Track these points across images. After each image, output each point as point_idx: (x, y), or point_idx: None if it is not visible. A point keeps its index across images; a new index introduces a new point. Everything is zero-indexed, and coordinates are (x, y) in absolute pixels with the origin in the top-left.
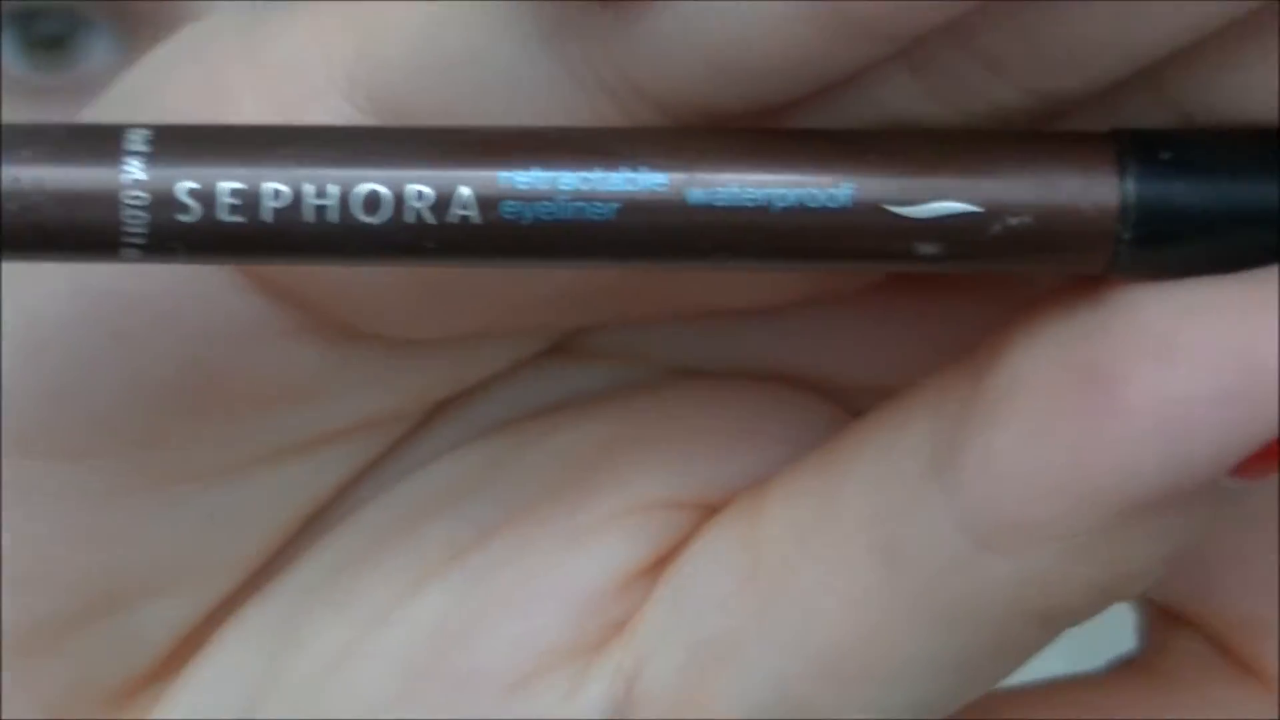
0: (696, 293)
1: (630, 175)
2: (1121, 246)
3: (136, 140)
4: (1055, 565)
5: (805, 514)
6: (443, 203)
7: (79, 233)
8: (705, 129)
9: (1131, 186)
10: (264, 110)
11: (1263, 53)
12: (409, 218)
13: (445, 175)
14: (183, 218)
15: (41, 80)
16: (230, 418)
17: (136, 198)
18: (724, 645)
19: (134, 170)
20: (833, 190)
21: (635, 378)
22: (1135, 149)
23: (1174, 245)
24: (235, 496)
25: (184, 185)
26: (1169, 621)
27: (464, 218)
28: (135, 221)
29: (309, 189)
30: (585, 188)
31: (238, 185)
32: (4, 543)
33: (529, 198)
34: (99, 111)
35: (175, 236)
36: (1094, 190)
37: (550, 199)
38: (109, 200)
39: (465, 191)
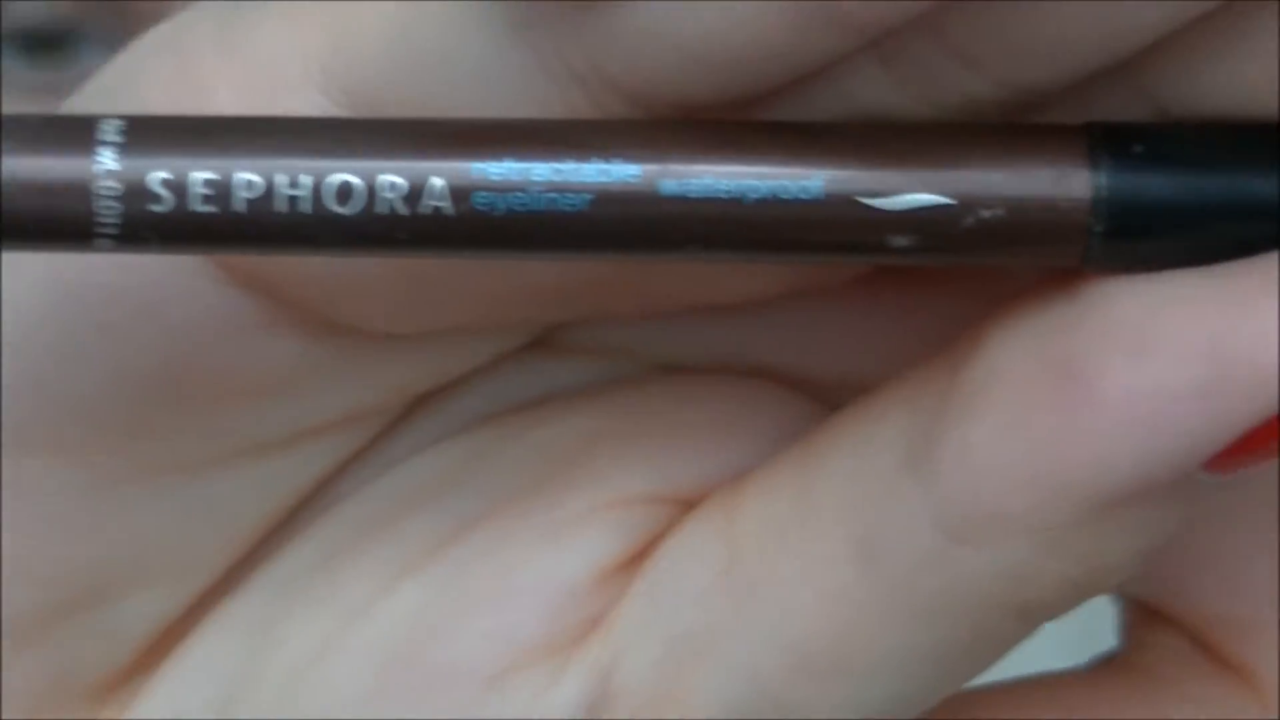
0: (676, 288)
1: (603, 167)
2: (1094, 239)
3: (109, 130)
4: (1029, 559)
5: (782, 508)
6: (415, 194)
7: (52, 223)
8: (678, 121)
9: (1104, 180)
10: (239, 102)
11: (1236, 46)
12: (381, 208)
13: (418, 166)
14: (155, 208)
15: (41, 79)
16: (210, 411)
17: (109, 188)
18: (700, 640)
19: (107, 160)
20: (805, 182)
21: (616, 373)
22: (1108, 142)
23: (1147, 238)
24: (216, 490)
25: (156, 175)
26: (1149, 619)
27: (436, 209)
28: (108, 212)
29: (281, 179)
30: (558, 179)
31: (210, 175)
32: None
33: (501, 189)
34: (77, 104)
35: (148, 226)
36: (1066, 183)
37: (523, 190)
38: (82, 190)
39: (438, 182)
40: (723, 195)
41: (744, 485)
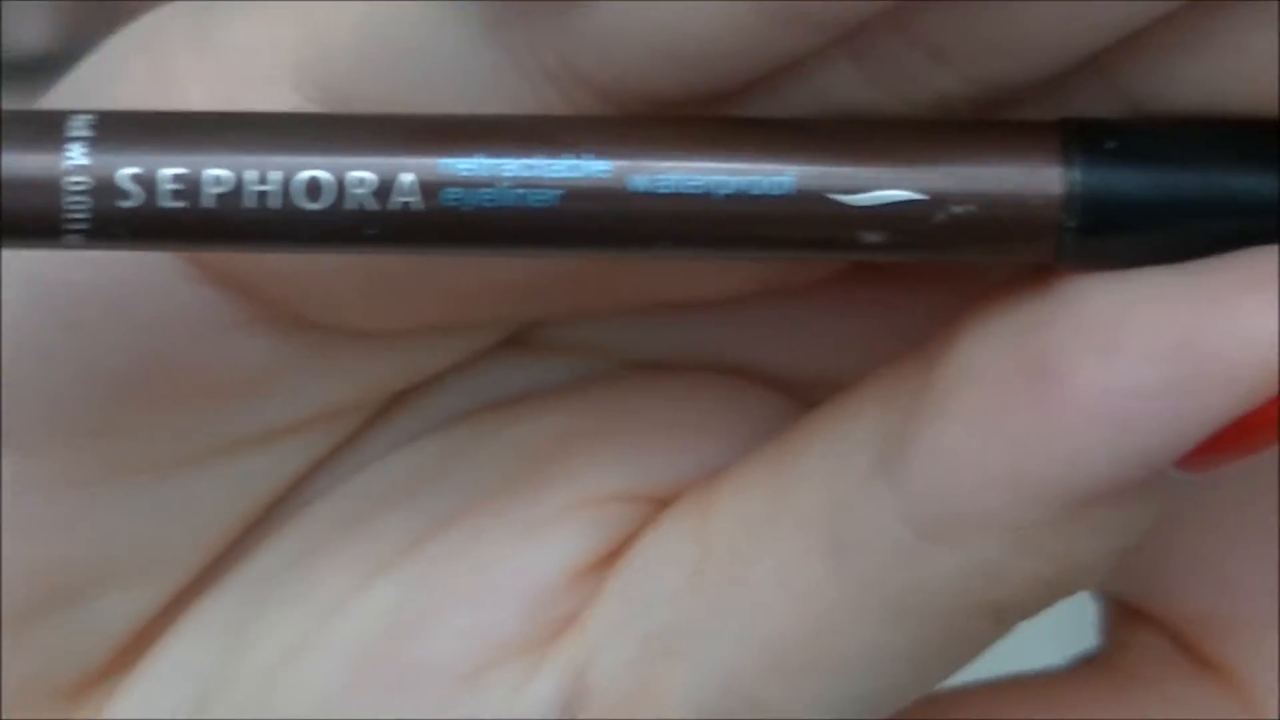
0: (651, 286)
1: (573, 162)
2: (1066, 236)
3: (79, 126)
4: (1001, 558)
5: (755, 507)
6: (384, 189)
7: (21, 219)
8: (648, 116)
9: (1076, 176)
10: (212, 98)
11: (1209, 42)
12: (351, 204)
13: (387, 162)
14: (124, 203)
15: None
16: (184, 409)
17: (78, 183)
18: (674, 639)
19: (76, 156)
20: (776, 178)
21: (592, 371)
22: (1080, 138)
23: (1120, 235)
24: (191, 488)
25: (126, 171)
26: (1130, 618)
27: (406, 204)
28: (77, 207)
29: (251, 175)
30: (528, 175)
31: (179, 171)
32: None
33: (471, 184)
34: (52, 100)
35: (118, 222)
36: (1038, 179)
37: (492, 186)
38: (51, 186)
39: (407, 178)
40: (693, 191)
41: (718, 483)
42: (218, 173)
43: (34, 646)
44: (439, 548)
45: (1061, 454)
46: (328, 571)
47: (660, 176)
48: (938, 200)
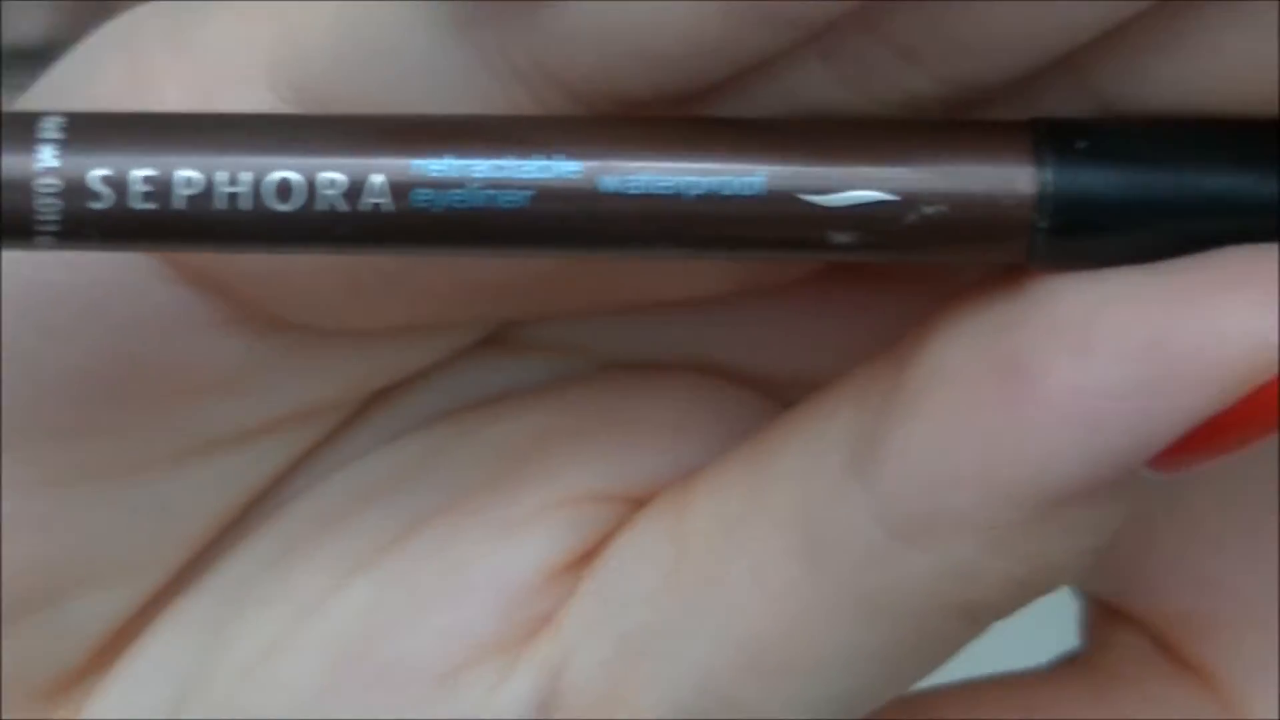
0: (629, 286)
1: (544, 163)
2: (1038, 236)
3: (50, 128)
4: (973, 558)
5: (731, 506)
6: (355, 190)
7: None
8: (619, 117)
9: (1048, 176)
10: (187, 99)
11: (1180, 42)
12: (321, 205)
13: (358, 163)
14: (95, 205)
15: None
16: (160, 409)
17: (49, 185)
18: (649, 639)
19: (47, 158)
20: (746, 179)
21: (570, 370)
22: (1052, 138)
23: (1092, 235)
24: (168, 488)
25: (96, 173)
26: (1111, 618)
27: (376, 205)
28: (48, 209)
29: (221, 176)
30: (498, 176)
31: (150, 172)
32: None
33: (441, 185)
34: (30, 99)
35: (88, 224)
36: (1009, 179)
37: (462, 187)
38: (22, 188)
39: (378, 179)
40: (663, 192)
41: (694, 483)
42: (188, 174)
43: (11, 647)
44: (417, 547)
45: (1033, 454)
46: (306, 571)
47: (631, 177)
48: (909, 201)
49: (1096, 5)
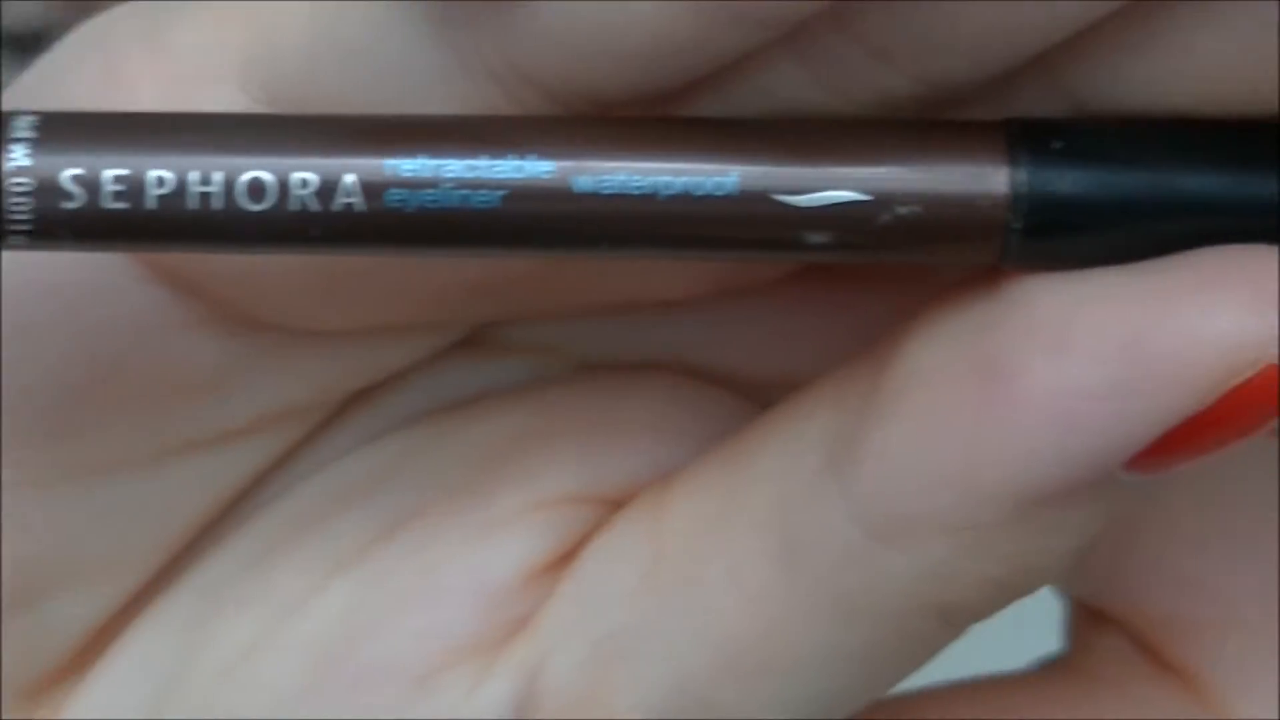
0: (607, 287)
1: (517, 163)
2: (1012, 236)
3: (22, 127)
4: (950, 559)
5: (708, 508)
6: (327, 190)
7: None
8: (592, 117)
9: (1022, 176)
10: (161, 98)
11: (1153, 42)
12: (293, 205)
13: (330, 163)
14: (67, 205)
15: None
16: (138, 409)
17: (21, 184)
18: (626, 640)
19: (19, 157)
20: (720, 179)
21: (548, 371)
22: (1026, 138)
23: (1067, 235)
24: (147, 488)
25: (69, 172)
26: (1094, 621)
27: (348, 205)
28: (20, 208)
29: (194, 176)
30: (471, 176)
31: (122, 172)
32: None
33: (414, 185)
34: (6, 99)
35: (61, 224)
36: (984, 180)
37: (435, 187)
38: None
39: (350, 179)
40: (636, 192)
41: (672, 484)
42: (160, 174)
43: None
44: (395, 548)
45: (1010, 455)
46: (285, 572)
47: (604, 177)
48: (882, 201)
49: (1068, 5)
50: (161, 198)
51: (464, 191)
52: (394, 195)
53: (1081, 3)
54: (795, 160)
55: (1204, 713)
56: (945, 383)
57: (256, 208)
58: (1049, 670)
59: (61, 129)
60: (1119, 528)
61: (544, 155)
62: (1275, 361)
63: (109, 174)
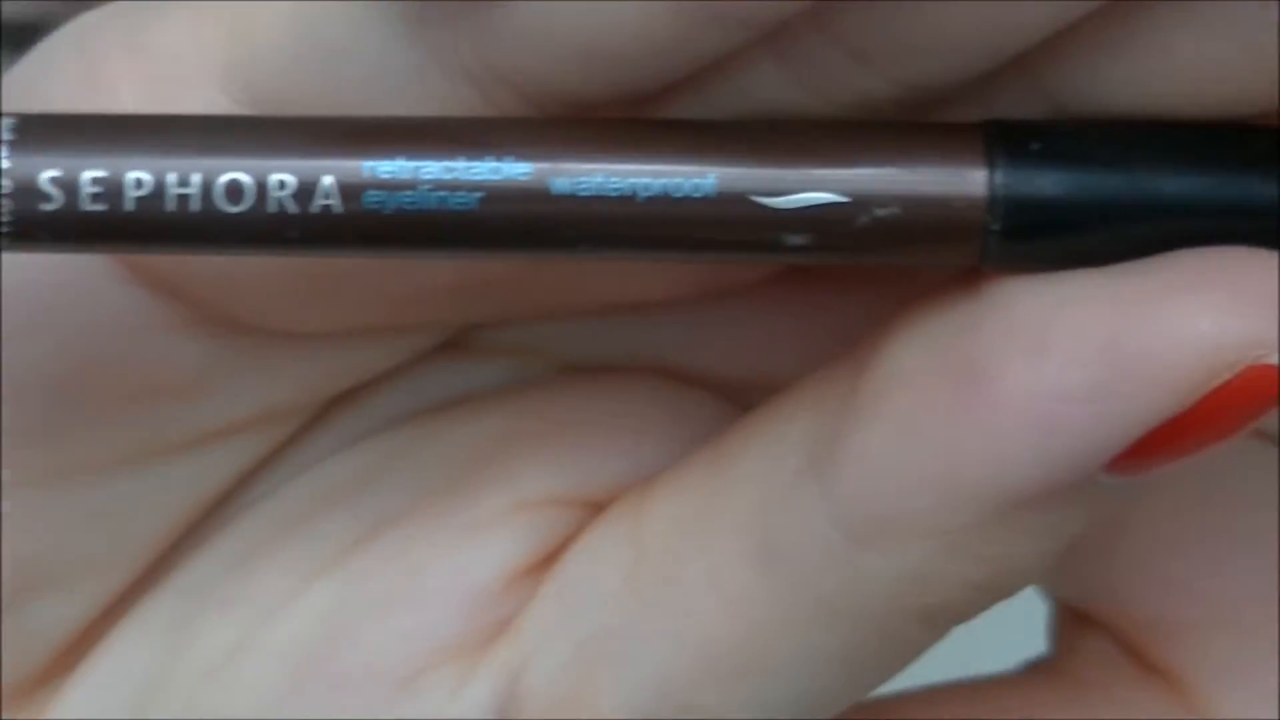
0: (589, 289)
1: (494, 165)
2: (991, 238)
3: (1, 129)
4: (931, 562)
5: (689, 510)
6: (305, 192)
7: None
8: (570, 118)
9: (999, 178)
10: (140, 100)
11: (1132, 41)
12: (271, 207)
13: (308, 165)
14: (46, 207)
15: None
16: (119, 411)
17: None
18: (608, 642)
19: None
20: (698, 181)
21: (530, 374)
22: (1004, 140)
23: (1045, 237)
24: (129, 490)
25: (47, 174)
26: (1079, 623)
27: (326, 207)
28: None
29: (172, 178)
30: (448, 177)
31: (100, 174)
32: None
33: (392, 187)
34: None
35: (39, 225)
36: (962, 181)
37: (413, 188)
38: None
39: (328, 181)
40: (614, 194)
41: (653, 486)
42: (139, 175)
43: None
44: (378, 550)
45: (989, 457)
46: (267, 574)
47: (582, 179)
48: (860, 203)
49: (1046, 5)
50: (140, 199)
51: (441, 193)
52: (372, 197)
53: (1059, 3)
54: (773, 162)
55: (1189, 714)
56: (924, 385)
57: (234, 209)
58: (1034, 672)
59: (40, 131)
60: (1103, 530)
61: (521, 157)
62: (1254, 363)
63: (87, 176)
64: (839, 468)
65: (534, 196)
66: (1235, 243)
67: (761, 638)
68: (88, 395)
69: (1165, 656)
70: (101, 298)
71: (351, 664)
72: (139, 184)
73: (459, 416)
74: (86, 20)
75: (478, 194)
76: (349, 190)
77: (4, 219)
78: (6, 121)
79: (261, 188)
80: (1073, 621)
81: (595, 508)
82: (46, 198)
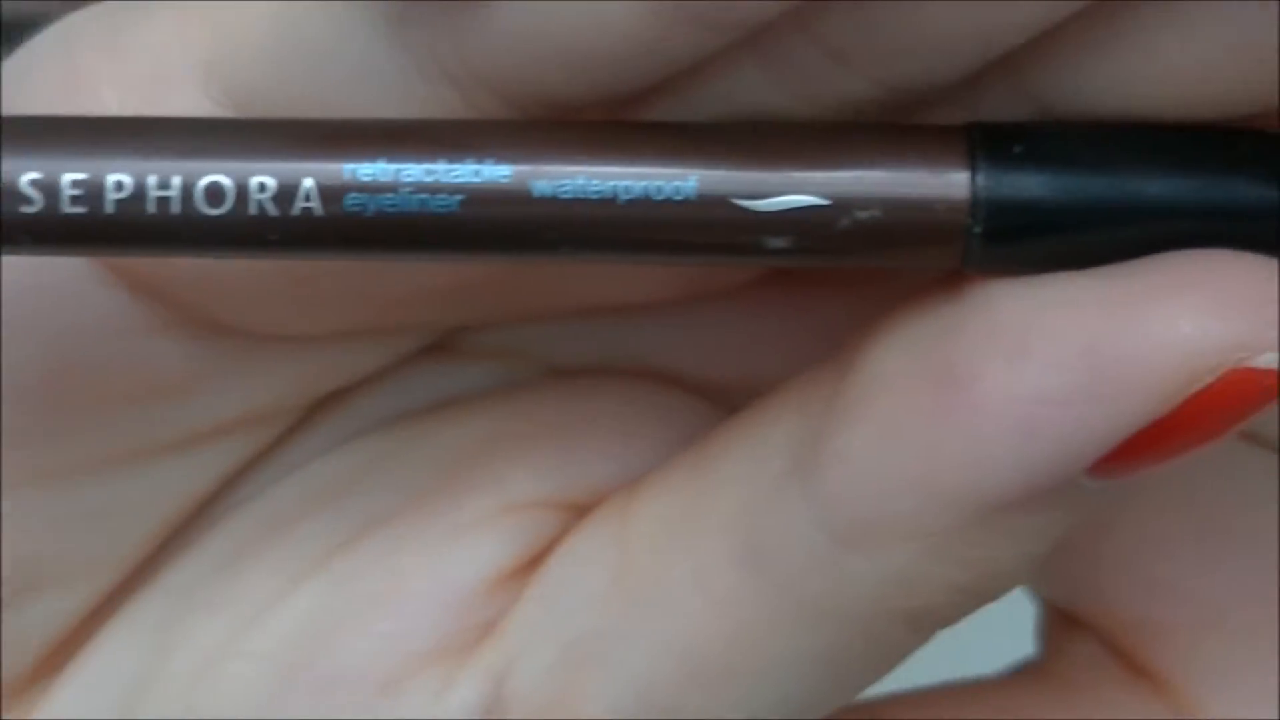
0: (573, 291)
1: (475, 167)
2: (973, 241)
3: None
4: (915, 564)
5: (674, 512)
6: (286, 195)
7: None
8: (551, 121)
9: (981, 180)
10: (122, 101)
11: (1116, 42)
12: (252, 209)
13: (289, 167)
14: (26, 209)
15: None
16: (104, 413)
17: None
18: (593, 645)
19: None
20: (678, 183)
21: (516, 376)
22: (986, 142)
23: (1027, 240)
24: (115, 492)
25: (27, 176)
26: (1066, 625)
27: (307, 210)
28: None
29: (152, 180)
30: (429, 180)
31: (80, 176)
32: None
33: (372, 190)
34: None
35: (19, 228)
36: (943, 184)
37: (394, 191)
38: None
39: (309, 183)
40: (595, 196)
41: (638, 489)
42: (119, 178)
43: None
44: (364, 552)
45: (969, 460)
46: (253, 576)
47: (563, 181)
48: (842, 205)
49: (1030, 6)
50: (120, 202)
51: (422, 196)
52: (352, 200)
53: (1043, 4)
54: (754, 165)
55: (1177, 715)
56: (907, 388)
57: (215, 212)
58: (1022, 674)
59: (19, 133)
60: (1090, 531)
61: (502, 159)
62: (1237, 366)
63: (67, 178)
64: (822, 470)
65: (515, 199)
66: (1219, 245)
67: (747, 640)
68: (71, 397)
69: (1153, 658)
70: (83, 300)
71: (338, 666)
72: (119, 186)
73: (445, 419)
74: (69, 21)
75: (458, 196)
76: (329, 193)
77: None
78: None
79: (242, 190)
80: (1061, 623)
81: (581, 510)
82: (27, 200)
